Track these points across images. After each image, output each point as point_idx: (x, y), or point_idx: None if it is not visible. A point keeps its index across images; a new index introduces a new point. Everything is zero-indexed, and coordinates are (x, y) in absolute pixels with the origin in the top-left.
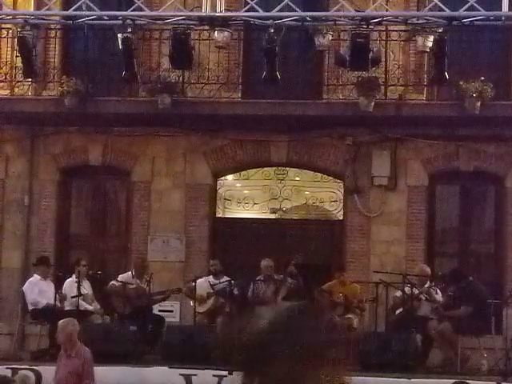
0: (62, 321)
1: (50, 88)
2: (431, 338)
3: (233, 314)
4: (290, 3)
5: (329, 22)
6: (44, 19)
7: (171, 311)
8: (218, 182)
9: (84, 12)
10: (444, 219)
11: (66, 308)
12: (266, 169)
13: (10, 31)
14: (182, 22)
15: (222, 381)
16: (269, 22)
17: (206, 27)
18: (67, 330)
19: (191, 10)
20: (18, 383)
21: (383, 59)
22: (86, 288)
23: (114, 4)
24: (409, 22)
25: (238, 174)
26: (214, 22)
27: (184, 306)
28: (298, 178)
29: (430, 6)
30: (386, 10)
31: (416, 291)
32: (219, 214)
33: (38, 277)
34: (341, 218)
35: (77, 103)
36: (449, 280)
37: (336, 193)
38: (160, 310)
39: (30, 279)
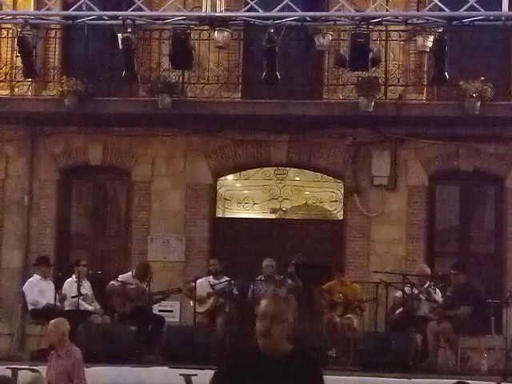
0: (53, 321)
1: (50, 88)
2: (433, 338)
3: (233, 314)
4: (290, 3)
5: (329, 22)
6: (44, 19)
7: (171, 311)
8: (218, 182)
9: (84, 12)
10: (444, 219)
11: (66, 308)
12: (265, 169)
13: (10, 31)
14: (182, 22)
15: None
16: (269, 22)
17: (206, 27)
18: (60, 329)
19: (191, 10)
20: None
21: (383, 59)
22: (86, 288)
23: (114, 4)
24: (409, 22)
25: (238, 174)
26: (213, 22)
27: (184, 306)
28: (297, 178)
29: (430, 5)
30: (386, 10)
31: (416, 291)
32: (219, 214)
33: (38, 277)
34: (341, 217)
35: (77, 103)
36: (451, 269)
37: (336, 193)
38: (160, 310)
39: (30, 279)
